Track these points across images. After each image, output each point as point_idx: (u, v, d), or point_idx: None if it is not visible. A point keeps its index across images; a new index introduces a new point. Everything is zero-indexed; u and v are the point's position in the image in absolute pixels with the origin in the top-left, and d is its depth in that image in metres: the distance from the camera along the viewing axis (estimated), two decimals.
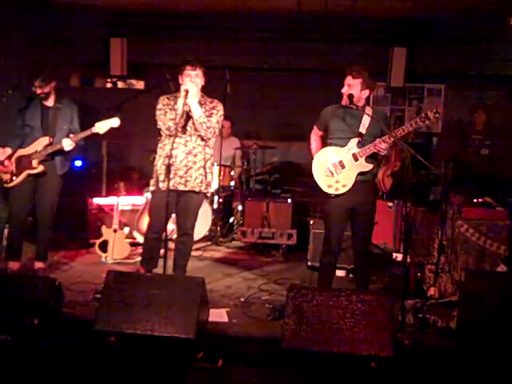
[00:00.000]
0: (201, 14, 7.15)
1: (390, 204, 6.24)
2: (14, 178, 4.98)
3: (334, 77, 7.06)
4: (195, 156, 4.62)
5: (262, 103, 7.50)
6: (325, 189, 4.39)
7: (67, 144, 4.91)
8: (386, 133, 4.27)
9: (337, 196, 4.37)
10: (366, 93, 4.38)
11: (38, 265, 5.18)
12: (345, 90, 4.36)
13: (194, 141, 4.62)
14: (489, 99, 7.33)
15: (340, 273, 5.44)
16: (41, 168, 4.97)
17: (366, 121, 4.35)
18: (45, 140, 4.98)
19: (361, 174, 4.37)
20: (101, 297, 3.86)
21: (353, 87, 4.34)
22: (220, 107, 4.70)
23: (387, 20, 7.01)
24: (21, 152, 4.98)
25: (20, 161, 4.96)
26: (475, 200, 4.81)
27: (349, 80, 4.36)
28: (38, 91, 4.92)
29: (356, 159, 4.34)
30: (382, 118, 4.43)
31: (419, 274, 4.98)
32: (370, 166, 4.36)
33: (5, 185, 5.00)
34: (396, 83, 7.17)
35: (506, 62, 7.09)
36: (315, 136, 4.63)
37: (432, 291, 4.59)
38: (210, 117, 4.60)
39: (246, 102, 7.45)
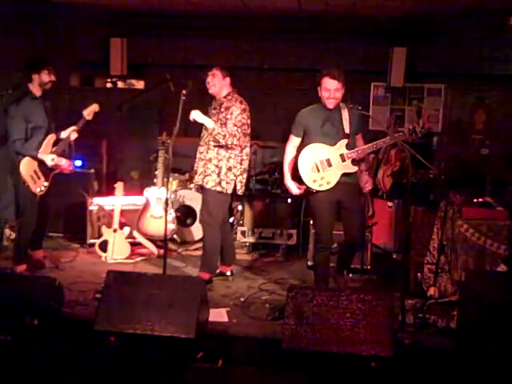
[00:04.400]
0: (201, 14, 7.15)
1: (390, 204, 6.24)
2: (46, 183, 5.02)
3: None
4: (201, 153, 4.94)
5: (262, 103, 7.49)
6: (309, 183, 4.45)
7: (74, 135, 5.14)
8: (364, 130, 4.53)
9: (316, 193, 4.47)
10: (343, 91, 4.44)
11: (40, 253, 5.37)
12: (331, 96, 4.37)
13: (202, 139, 4.95)
14: (489, 99, 7.32)
15: None
16: (65, 164, 5.13)
17: (346, 119, 4.42)
18: (52, 137, 5.07)
19: (345, 175, 4.43)
20: (101, 297, 3.87)
21: (337, 91, 4.38)
22: (234, 109, 4.81)
23: (387, 20, 7.00)
24: (41, 153, 4.99)
25: (44, 164, 4.99)
26: (475, 200, 4.80)
27: (332, 84, 4.36)
28: (48, 79, 4.96)
29: (343, 160, 4.42)
30: (359, 118, 4.53)
31: (419, 274, 4.98)
32: (355, 168, 4.45)
33: (39, 193, 4.99)
34: (396, 83, 7.16)
35: (506, 62, 7.08)
36: (292, 148, 4.61)
37: (432, 291, 4.59)
38: (224, 125, 4.78)
39: (246, 102, 7.43)
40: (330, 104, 4.40)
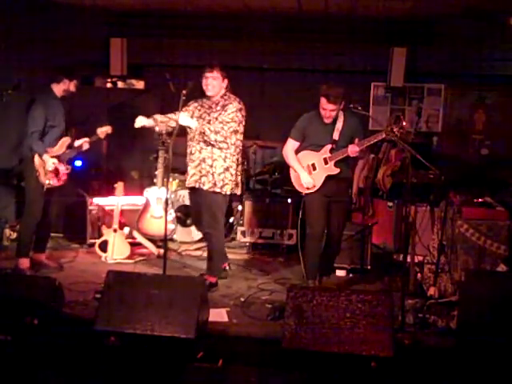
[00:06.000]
0: (201, 14, 7.15)
1: (390, 204, 6.24)
2: (56, 178, 5.06)
3: (333, 77, 7.10)
4: (192, 154, 4.82)
5: (261, 103, 7.49)
6: (297, 187, 4.82)
7: (86, 146, 5.26)
8: (356, 138, 4.60)
9: (307, 194, 4.76)
10: (342, 105, 4.64)
11: (42, 256, 5.35)
12: (326, 115, 4.61)
13: (191, 140, 4.81)
14: (489, 99, 7.32)
15: (340, 273, 5.45)
16: (70, 168, 5.19)
17: (339, 127, 4.67)
18: (67, 140, 5.12)
19: (330, 177, 4.67)
20: (101, 297, 3.87)
21: (333, 111, 4.59)
22: (231, 106, 4.77)
23: (387, 20, 7.00)
24: (54, 152, 5.04)
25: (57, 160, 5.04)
26: (475, 200, 4.80)
27: (328, 106, 4.56)
28: (72, 89, 5.13)
29: (326, 163, 4.67)
30: (354, 124, 4.72)
31: (419, 274, 4.98)
32: (337, 170, 4.66)
33: (47, 186, 5.03)
34: (396, 83, 7.16)
35: (506, 61, 7.08)
36: (291, 151, 4.84)
37: (432, 291, 4.59)
38: (216, 120, 4.74)
39: (246, 101, 7.43)
40: (327, 119, 4.66)
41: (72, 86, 5.11)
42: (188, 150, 4.89)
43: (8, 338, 3.68)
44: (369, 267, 5.48)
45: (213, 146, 4.75)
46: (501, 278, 4.17)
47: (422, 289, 4.81)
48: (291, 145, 4.85)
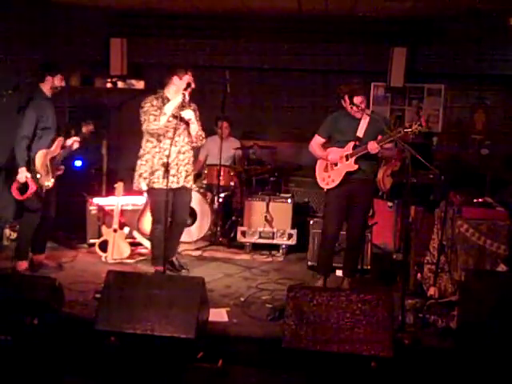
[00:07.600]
0: (201, 14, 7.15)
1: (390, 204, 6.24)
2: (52, 179, 5.04)
3: (333, 77, 7.10)
4: (184, 154, 4.85)
5: (262, 103, 7.50)
6: (320, 182, 4.92)
7: (76, 145, 5.19)
8: (383, 134, 4.57)
9: (328, 190, 4.82)
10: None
11: (42, 257, 5.32)
12: (355, 109, 4.65)
13: (181, 140, 4.81)
14: (489, 99, 7.33)
15: (340, 272, 5.44)
16: (62, 168, 5.17)
17: (364, 124, 4.69)
18: (61, 140, 5.10)
19: (351, 175, 4.68)
20: (101, 297, 3.87)
21: (363, 102, 4.66)
22: (196, 109, 4.91)
23: (387, 20, 7.01)
24: (50, 153, 5.01)
25: (52, 162, 5.02)
26: (475, 200, 4.80)
27: (359, 98, 4.63)
28: (59, 84, 5.05)
29: (347, 159, 4.70)
30: (379, 122, 4.66)
31: (419, 274, 4.98)
32: (355, 167, 4.66)
33: (46, 188, 5.00)
34: (396, 83, 7.17)
35: (506, 62, 7.08)
36: (317, 146, 4.91)
37: (432, 291, 4.59)
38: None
39: (246, 102, 7.45)
40: (358, 114, 4.69)
41: (57, 81, 5.03)
42: (174, 150, 4.74)
43: (8, 338, 3.68)
44: (369, 267, 5.48)
45: (194, 147, 4.90)
46: (501, 278, 4.16)
47: (422, 289, 4.81)
48: (316, 140, 4.92)
